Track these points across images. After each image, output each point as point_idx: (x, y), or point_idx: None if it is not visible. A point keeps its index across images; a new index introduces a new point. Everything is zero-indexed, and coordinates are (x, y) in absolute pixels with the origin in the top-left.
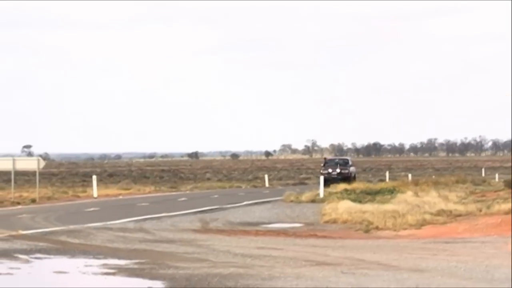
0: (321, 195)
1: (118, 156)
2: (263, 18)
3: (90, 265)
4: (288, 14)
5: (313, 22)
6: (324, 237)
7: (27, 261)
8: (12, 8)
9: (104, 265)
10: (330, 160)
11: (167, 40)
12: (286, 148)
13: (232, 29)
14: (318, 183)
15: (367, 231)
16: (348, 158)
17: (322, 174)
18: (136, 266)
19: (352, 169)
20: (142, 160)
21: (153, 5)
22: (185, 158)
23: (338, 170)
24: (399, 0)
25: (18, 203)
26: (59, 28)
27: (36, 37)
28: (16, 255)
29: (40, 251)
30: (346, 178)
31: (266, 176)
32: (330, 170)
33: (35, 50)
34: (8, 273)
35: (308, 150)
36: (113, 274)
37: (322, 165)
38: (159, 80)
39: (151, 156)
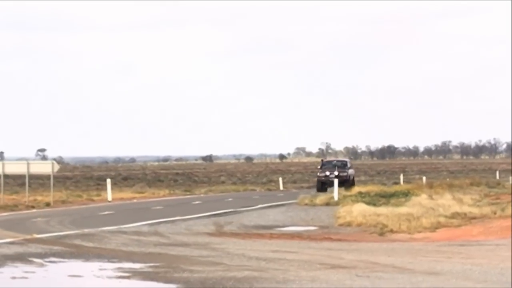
0: (336, 198)
1: (132, 160)
2: (277, 20)
3: (105, 269)
4: (302, 15)
5: (327, 24)
6: (339, 240)
7: (41, 265)
8: (28, 11)
9: (119, 269)
10: (328, 162)
11: (181, 42)
12: (300, 151)
13: (246, 31)
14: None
15: (381, 234)
16: (347, 159)
17: (319, 177)
18: (150, 270)
19: (350, 171)
20: (156, 163)
21: (167, 8)
22: (199, 161)
23: (336, 173)
24: (414, 0)
25: (33, 207)
26: (73, 31)
27: (51, 40)
28: (30, 259)
29: (54, 254)
30: (345, 181)
31: (280, 179)
32: (327, 173)
33: (50, 53)
34: (23, 277)
35: (322, 153)
36: (128, 277)
37: (319, 167)
38: (173, 83)
39: (165, 159)
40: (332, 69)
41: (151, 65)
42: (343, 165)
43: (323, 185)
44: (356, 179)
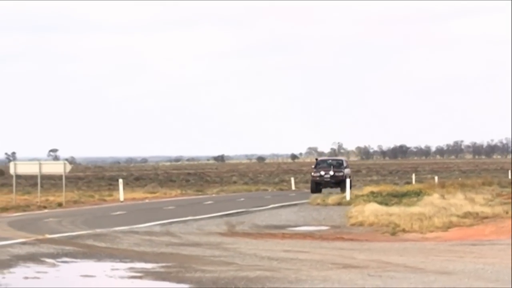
0: (348, 198)
1: (144, 160)
2: (289, 20)
3: (117, 269)
4: (314, 16)
5: (339, 24)
6: (351, 239)
7: (54, 265)
8: (39, 12)
9: (131, 269)
10: (322, 161)
11: (192, 43)
12: (312, 151)
13: (258, 32)
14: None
15: (393, 233)
16: (343, 158)
17: (313, 177)
18: (162, 270)
19: (347, 171)
20: (168, 163)
21: (179, 9)
22: (211, 161)
23: (331, 173)
24: (427, 0)
25: (45, 207)
26: (85, 32)
27: (62, 40)
28: (43, 259)
29: (66, 255)
30: (341, 181)
31: (292, 179)
32: (322, 173)
33: (62, 54)
34: (35, 277)
35: (334, 153)
36: (140, 277)
37: (313, 167)
38: (185, 84)
39: (177, 159)
40: (344, 69)
41: (163, 65)
42: (338, 164)
43: (318, 186)
44: (367, 178)
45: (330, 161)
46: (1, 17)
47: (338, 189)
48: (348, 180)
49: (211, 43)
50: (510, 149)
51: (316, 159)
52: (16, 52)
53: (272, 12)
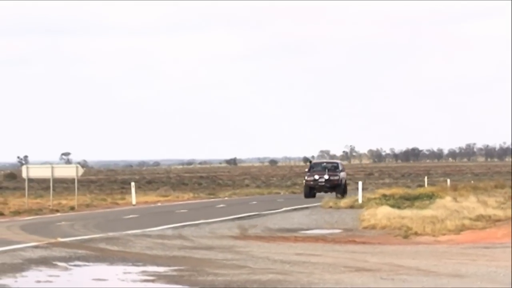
0: (360, 201)
1: (157, 163)
2: (301, 22)
3: (129, 272)
4: (325, 17)
5: (350, 26)
6: (363, 243)
7: (66, 269)
8: (51, 15)
9: (143, 272)
10: (316, 164)
11: (204, 45)
12: (324, 154)
13: (269, 34)
14: (345, 190)
15: (406, 236)
16: (338, 161)
17: (306, 181)
18: (175, 273)
19: (342, 175)
20: (180, 166)
21: (191, 11)
22: (224, 164)
23: (326, 177)
24: (438, 0)
25: (57, 211)
26: (96, 34)
27: (74, 43)
28: (55, 262)
29: (79, 258)
30: (336, 186)
31: (304, 182)
32: (316, 177)
33: (74, 57)
34: (47, 281)
35: (346, 156)
36: (152, 281)
37: (306, 170)
38: (197, 86)
39: (190, 162)
40: (356, 71)
41: (174, 68)
42: (334, 168)
43: (312, 190)
44: (380, 181)
45: (324, 164)
46: (13, 20)
47: (334, 194)
48: (360, 184)
49: (223, 45)
50: None
51: (310, 162)
52: (28, 55)
53: (284, 13)
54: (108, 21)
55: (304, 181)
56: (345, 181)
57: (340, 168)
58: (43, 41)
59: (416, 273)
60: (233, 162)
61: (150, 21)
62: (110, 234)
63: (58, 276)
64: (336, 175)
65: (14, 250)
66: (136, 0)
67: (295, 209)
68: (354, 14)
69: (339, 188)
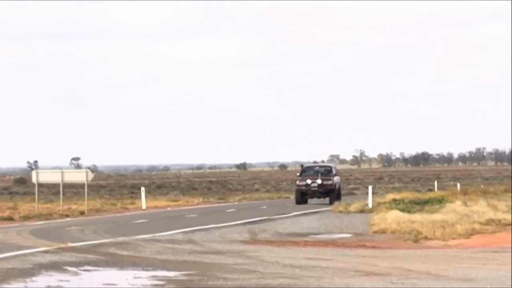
0: (370, 205)
1: (166, 168)
2: (309, 28)
3: (139, 277)
4: (333, 23)
5: (358, 32)
6: (373, 247)
7: (76, 274)
8: (60, 19)
9: (153, 277)
10: (309, 168)
11: (213, 50)
12: (334, 158)
13: (278, 39)
14: (360, 193)
15: (416, 241)
16: (332, 165)
17: (298, 186)
18: (185, 278)
19: (336, 179)
20: (190, 171)
21: (201, 15)
22: (233, 169)
23: (319, 181)
24: (450, 1)
25: (67, 216)
26: (105, 39)
27: (83, 48)
28: (65, 267)
29: (89, 263)
30: (330, 191)
31: None
32: (308, 181)
33: (82, 61)
34: (57, 286)
35: (356, 161)
36: (162, 286)
37: (298, 174)
38: (206, 91)
39: (199, 167)
40: (365, 76)
41: (184, 72)
42: (327, 172)
43: (303, 196)
44: (390, 186)
45: (317, 168)
46: (23, 24)
47: (327, 200)
48: (371, 188)
49: (232, 49)
50: None
51: (302, 166)
52: (38, 60)
53: (294, 18)
54: (117, 25)
55: (295, 186)
56: (339, 186)
57: (334, 172)
58: (52, 45)
59: (426, 277)
60: (243, 166)
61: (161, 25)
62: (120, 239)
63: (68, 281)
64: (330, 180)
65: (24, 255)
66: (147, 2)
67: (304, 214)
68: (364, 18)
69: (332, 194)
